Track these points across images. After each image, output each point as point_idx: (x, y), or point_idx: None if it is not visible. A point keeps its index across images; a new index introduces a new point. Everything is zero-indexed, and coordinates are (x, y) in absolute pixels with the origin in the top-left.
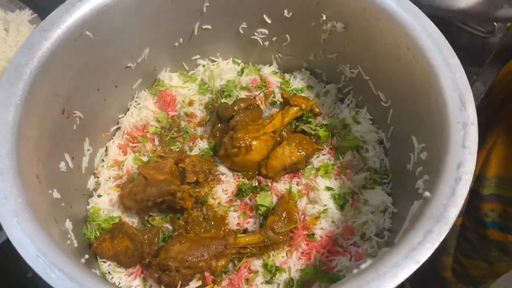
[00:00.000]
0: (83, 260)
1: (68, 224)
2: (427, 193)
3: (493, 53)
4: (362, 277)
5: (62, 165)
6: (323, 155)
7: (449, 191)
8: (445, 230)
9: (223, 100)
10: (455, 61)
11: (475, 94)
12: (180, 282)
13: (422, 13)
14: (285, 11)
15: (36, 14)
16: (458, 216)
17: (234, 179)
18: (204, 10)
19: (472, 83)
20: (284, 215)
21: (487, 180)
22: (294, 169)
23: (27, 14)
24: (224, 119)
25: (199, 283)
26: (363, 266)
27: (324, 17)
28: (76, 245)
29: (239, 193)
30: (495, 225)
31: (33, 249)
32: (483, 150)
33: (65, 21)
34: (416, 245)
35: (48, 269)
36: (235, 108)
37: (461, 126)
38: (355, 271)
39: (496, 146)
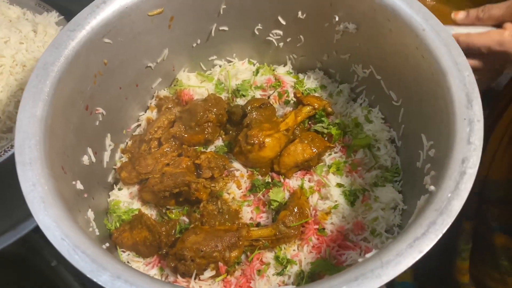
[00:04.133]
0: (103, 247)
1: (90, 214)
2: (432, 187)
3: None
4: (366, 265)
5: (85, 158)
6: (335, 153)
7: (453, 185)
8: (448, 222)
9: (237, 100)
10: (462, 60)
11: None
12: (195, 271)
13: (431, 13)
14: (299, 13)
15: (62, 17)
16: (467, 220)
17: (248, 175)
18: (221, 12)
19: None
20: (295, 210)
21: (494, 183)
22: (306, 166)
23: (54, 16)
24: (235, 122)
25: (213, 272)
26: (368, 255)
27: (337, 18)
28: (97, 233)
29: (253, 188)
30: (502, 229)
31: (59, 232)
32: (488, 151)
33: (89, 22)
34: (420, 236)
35: (72, 251)
36: (248, 107)
37: (467, 123)
38: (360, 260)
39: (501, 147)
